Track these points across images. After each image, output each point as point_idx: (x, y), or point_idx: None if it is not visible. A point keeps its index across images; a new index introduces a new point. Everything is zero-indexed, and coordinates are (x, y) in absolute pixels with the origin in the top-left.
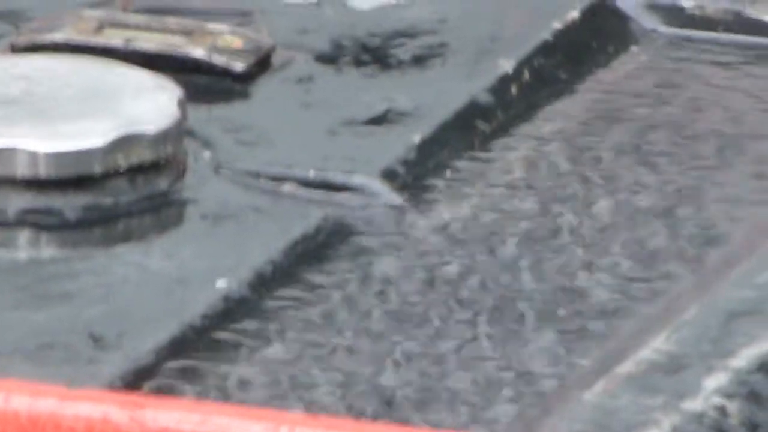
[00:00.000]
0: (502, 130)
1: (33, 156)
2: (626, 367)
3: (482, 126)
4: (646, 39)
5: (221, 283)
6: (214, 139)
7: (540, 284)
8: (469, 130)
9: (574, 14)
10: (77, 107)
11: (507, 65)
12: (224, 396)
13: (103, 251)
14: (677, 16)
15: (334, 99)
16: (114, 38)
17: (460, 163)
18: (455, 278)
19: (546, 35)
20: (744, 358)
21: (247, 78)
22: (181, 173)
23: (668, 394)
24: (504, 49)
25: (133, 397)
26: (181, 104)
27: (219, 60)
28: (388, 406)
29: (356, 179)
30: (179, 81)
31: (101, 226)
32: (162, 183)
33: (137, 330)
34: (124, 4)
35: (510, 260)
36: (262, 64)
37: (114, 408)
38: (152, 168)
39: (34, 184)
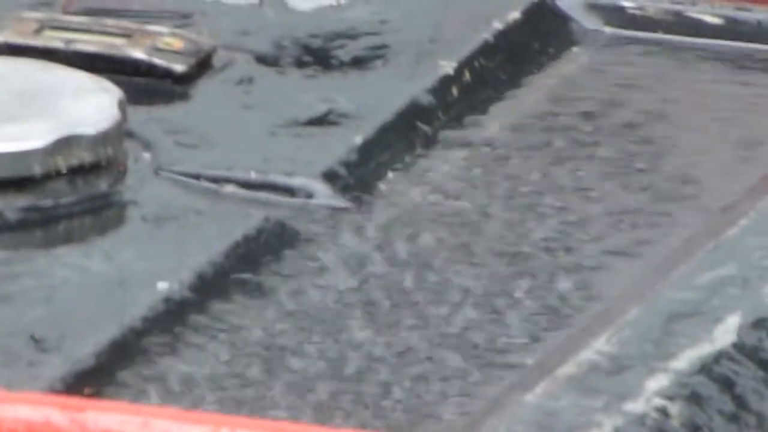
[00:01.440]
0: (443, 131)
1: None
2: (567, 368)
3: (423, 127)
4: (587, 39)
5: (162, 285)
6: (155, 141)
7: (480, 283)
8: (410, 131)
9: (515, 15)
10: (17, 109)
11: (448, 66)
12: (165, 398)
13: (43, 253)
14: (618, 17)
15: (275, 100)
16: (54, 40)
17: (402, 165)
18: (397, 278)
19: (487, 36)
20: (685, 359)
21: (187, 79)
22: (121, 175)
23: (609, 396)
24: (445, 50)
25: (74, 400)
26: (122, 106)
27: (159, 61)
28: (329, 407)
29: (297, 181)
30: (119, 82)
31: (41, 228)
32: (102, 184)
33: (78, 332)
34: (64, 6)
35: (452, 261)
36: (202, 65)
37: (55, 411)
38: (92, 169)
39: None
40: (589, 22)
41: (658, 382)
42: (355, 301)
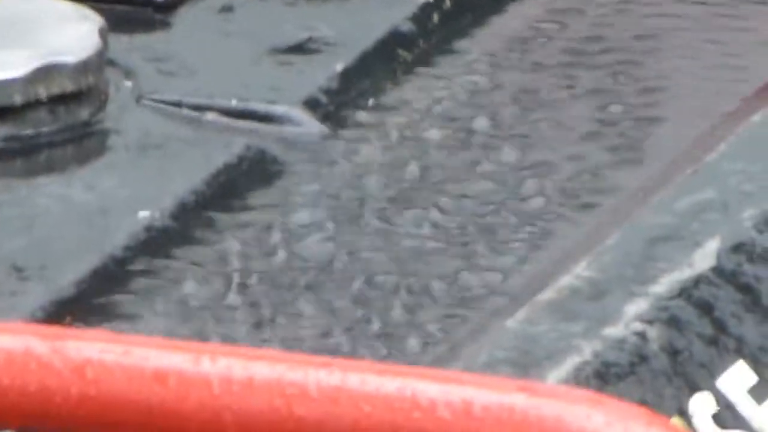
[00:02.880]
0: (424, 58)
1: None
2: (547, 294)
3: (404, 54)
4: None
5: (143, 213)
6: (136, 69)
7: (459, 211)
8: (391, 58)
9: None
10: None
11: None
12: (146, 327)
13: (24, 182)
14: None
15: (256, 28)
16: None
17: (383, 92)
18: (378, 206)
19: None
20: (664, 283)
21: (168, 8)
22: (102, 103)
23: (589, 321)
24: None
25: (55, 329)
26: (103, 34)
27: None
28: (311, 335)
29: (279, 108)
30: (100, 11)
31: (22, 157)
32: (83, 113)
33: (59, 261)
34: None
35: (433, 188)
36: None
37: (35, 340)
38: (73, 98)
39: None
40: None
41: (637, 306)
42: (336, 229)
